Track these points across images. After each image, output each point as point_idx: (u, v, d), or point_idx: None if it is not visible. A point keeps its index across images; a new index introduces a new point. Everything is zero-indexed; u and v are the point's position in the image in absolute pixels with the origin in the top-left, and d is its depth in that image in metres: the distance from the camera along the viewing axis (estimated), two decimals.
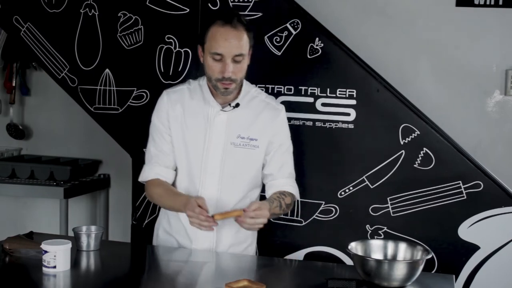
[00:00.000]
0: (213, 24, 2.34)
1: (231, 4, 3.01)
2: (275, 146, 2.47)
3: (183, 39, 3.10)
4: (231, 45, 2.31)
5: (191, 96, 2.47)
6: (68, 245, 2.17)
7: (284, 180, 2.51)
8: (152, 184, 2.50)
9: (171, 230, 2.54)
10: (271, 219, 2.96)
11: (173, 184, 2.53)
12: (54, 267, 2.13)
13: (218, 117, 2.43)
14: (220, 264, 2.42)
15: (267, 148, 2.47)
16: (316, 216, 2.98)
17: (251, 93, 2.49)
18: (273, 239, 3.03)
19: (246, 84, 2.49)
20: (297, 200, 2.98)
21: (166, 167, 2.49)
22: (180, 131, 2.46)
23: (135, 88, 3.20)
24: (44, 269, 2.14)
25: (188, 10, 3.09)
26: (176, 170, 2.52)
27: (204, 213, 2.25)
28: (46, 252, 2.14)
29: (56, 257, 2.13)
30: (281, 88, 3.01)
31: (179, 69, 3.12)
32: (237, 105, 2.43)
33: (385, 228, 2.91)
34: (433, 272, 2.72)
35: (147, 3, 3.14)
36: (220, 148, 2.43)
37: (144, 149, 3.15)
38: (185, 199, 2.35)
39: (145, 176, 2.53)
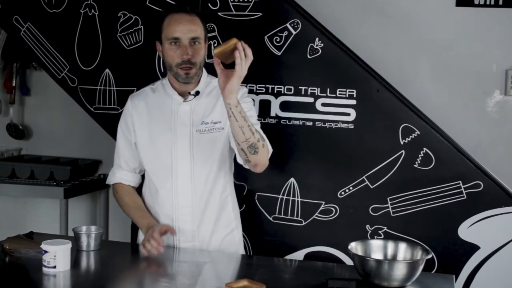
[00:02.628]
0: (168, 15, 2.45)
1: (231, 4, 3.01)
2: None
3: None
4: (185, 28, 2.39)
5: (154, 94, 2.56)
6: (68, 245, 2.17)
7: None
8: (121, 190, 2.64)
9: None
10: (271, 219, 2.97)
11: (144, 182, 2.63)
12: (54, 267, 2.13)
13: (181, 108, 2.48)
14: (220, 264, 2.42)
15: None
16: (316, 216, 2.98)
17: (213, 83, 2.55)
18: (273, 239, 3.03)
19: (209, 77, 2.56)
20: (297, 200, 2.99)
21: (129, 171, 2.63)
22: (146, 129, 2.53)
23: (135, 88, 3.19)
24: (44, 269, 2.14)
25: None
26: (140, 172, 2.65)
27: (160, 242, 2.35)
28: (46, 252, 2.14)
29: (56, 257, 2.13)
30: (281, 88, 3.00)
31: None
32: (197, 92, 2.49)
33: (385, 228, 2.91)
34: (433, 272, 2.72)
35: (147, 3, 3.14)
36: (187, 137, 2.47)
37: None
38: (150, 221, 2.49)
39: (108, 179, 2.69)
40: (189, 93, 2.48)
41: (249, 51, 2.19)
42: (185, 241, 2.50)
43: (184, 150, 2.48)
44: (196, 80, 2.48)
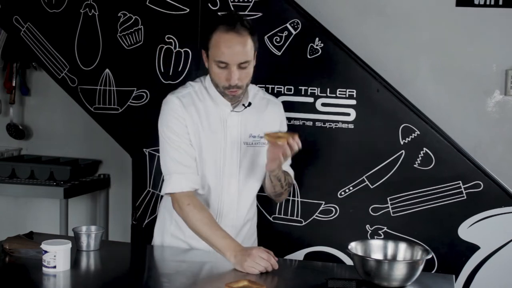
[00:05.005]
0: (216, 29, 2.27)
1: (231, 4, 3.01)
2: None
3: (183, 39, 3.10)
4: (235, 53, 2.25)
5: (200, 99, 2.41)
6: (68, 245, 2.17)
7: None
8: (191, 202, 2.33)
9: (184, 236, 2.49)
10: (271, 219, 2.96)
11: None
12: (54, 267, 2.13)
13: (231, 118, 2.41)
14: (220, 264, 2.42)
15: None
16: (316, 216, 2.98)
17: (252, 90, 2.50)
18: (273, 239, 3.03)
19: (252, 85, 2.50)
20: (297, 200, 2.99)
21: (192, 173, 2.37)
22: (197, 135, 2.39)
23: (135, 88, 3.20)
24: (44, 269, 2.14)
25: (188, 10, 3.09)
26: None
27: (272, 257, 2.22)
28: (46, 252, 2.14)
29: (56, 257, 2.13)
30: (281, 88, 3.00)
31: (179, 69, 3.12)
32: (249, 104, 2.42)
33: (385, 228, 2.91)
34: (433, 272, 2.72)
35: (147, 3, 3.14)
36: (236, 149, 2.43)
37: (144, 149, 3.17)
38: (234, 243, 2.26)
39: (172, 188, 2.35)
40: (243, 104, 2.40)
41: (296, 148, 2.28)
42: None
43: (233, 163, 2.41)
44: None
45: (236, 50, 2.25)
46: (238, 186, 2.45)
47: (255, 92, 2.50)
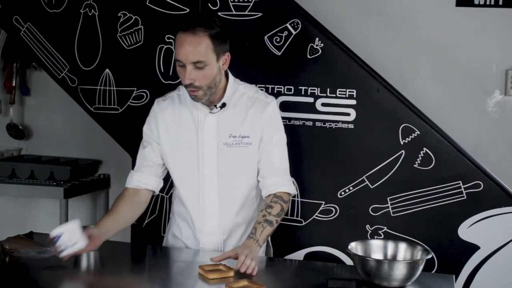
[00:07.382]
0: (179, 30, 2.33)
1: (231, 4, 3.01)
2: (265, 139, 2.46)
3: None
4: (186, 52, 2.27)
5: (181, 102, 2.47)
6: (76, 221, 2.21)
7: (274, 179, 2.46)
8: (120, 195, 2.54)
9: (181, 235, 2.54)
10: None
11: (173, 194, 2.56)
12: (74, 244, 2.16)
13: (207, 119, 2.42)
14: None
15: (259, 143, 2.46)
16: (316, 216, 2.98)
17: (240, 90, 2.47)
18: (273, 239, 3.03)
19: (235, 82, 2.48)
20: (297, 200, 2.99)
21: (149, 174, 2.51)
22: (173, 138, 2.46)
23: (135, 88, 3.20)
24: (65, 252, 2.15)
25: (188, 10, 3.09)
26: (162, 175, 2.55)
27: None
28: (59, 237, 2.14)
29: (72, 234, 2.16)
30: (281, 88, 3.01)
31: None
32: (224, 105, 2.42)
33: (385, 228, 2.91)
34: (433, 272, 2.72)
35: (147, 3, 3.14)
36: (214, 150, 2.42)
37: None
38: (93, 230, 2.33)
39: (126, 182, 2.54)
40: (215, 106, 2.41)
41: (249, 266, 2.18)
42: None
43: (211, 164, 2.43)
44: (220, 93, 2.41)
45: (187, 49, 2.27)
46: (219, 187, 2.44)
47: (243, 92, 2.47)
